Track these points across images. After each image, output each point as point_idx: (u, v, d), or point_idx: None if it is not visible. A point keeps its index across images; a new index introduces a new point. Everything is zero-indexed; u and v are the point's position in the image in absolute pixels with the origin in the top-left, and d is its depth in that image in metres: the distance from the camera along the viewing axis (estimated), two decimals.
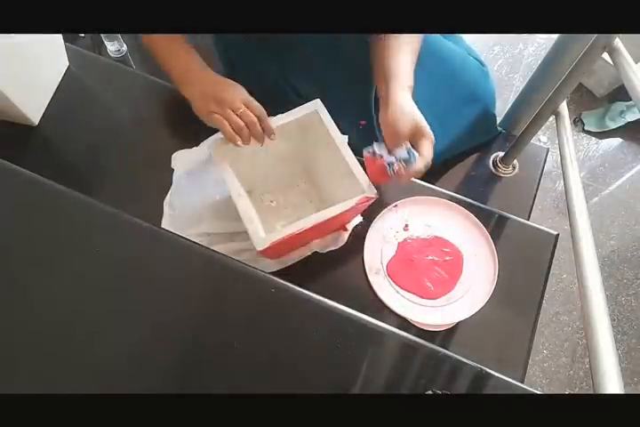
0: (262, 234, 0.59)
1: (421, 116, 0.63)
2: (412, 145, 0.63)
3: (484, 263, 0.76)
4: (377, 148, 0.64)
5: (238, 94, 0.64)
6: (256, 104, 0.64)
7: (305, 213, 0.71)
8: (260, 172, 0.72)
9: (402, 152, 0.62)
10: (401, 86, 0.65)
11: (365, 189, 0.61)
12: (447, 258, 0.76)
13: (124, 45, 1.13)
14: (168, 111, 0.85)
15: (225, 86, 0.65)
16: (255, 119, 0.63)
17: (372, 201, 0.63)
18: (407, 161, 0.61)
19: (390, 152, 0.63)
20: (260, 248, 0.58)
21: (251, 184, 0.73)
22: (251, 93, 0.66)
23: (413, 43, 0.69)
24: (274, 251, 0.62)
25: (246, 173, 0.67)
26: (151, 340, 0.57)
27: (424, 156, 0.62)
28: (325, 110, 0.66)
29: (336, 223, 0.72)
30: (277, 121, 0.65)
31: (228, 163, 0.63)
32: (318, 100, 0.66)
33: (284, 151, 0.71)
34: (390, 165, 0.62)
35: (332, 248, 0.75)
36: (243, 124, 0.62)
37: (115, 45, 1.12)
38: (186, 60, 0.69)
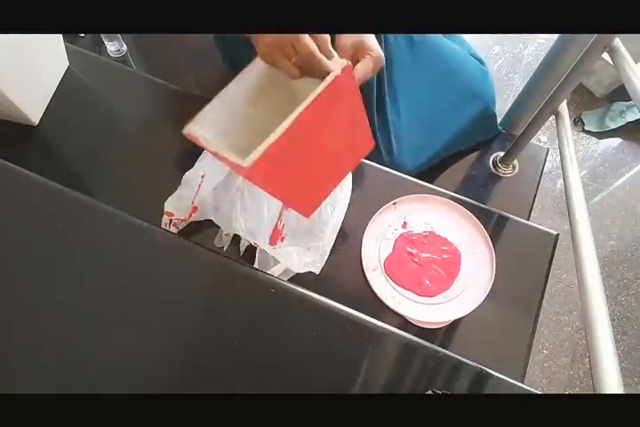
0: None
1: (373, 40, 0.60)
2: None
3: (481, 262, 0.76)
4: None
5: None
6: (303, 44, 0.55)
7: None
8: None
9: None
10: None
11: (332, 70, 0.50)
12: (445, 256, 0.76)
13: (124, 45, 1.13)
14: (168, 111, 0.85)
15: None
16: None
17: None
18: None
19: None
20: (247, 164, 0.45)
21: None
22: None
23: None
24: (268, 174, 0.50)
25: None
26: (151, 339, 0.57)
27: (356, 70, 0.57)
28: None
29: (327, 120, 0.56)
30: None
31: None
32: None
33: None
34: None
35: None
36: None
37: (115, 45, 1.12)
38: None
